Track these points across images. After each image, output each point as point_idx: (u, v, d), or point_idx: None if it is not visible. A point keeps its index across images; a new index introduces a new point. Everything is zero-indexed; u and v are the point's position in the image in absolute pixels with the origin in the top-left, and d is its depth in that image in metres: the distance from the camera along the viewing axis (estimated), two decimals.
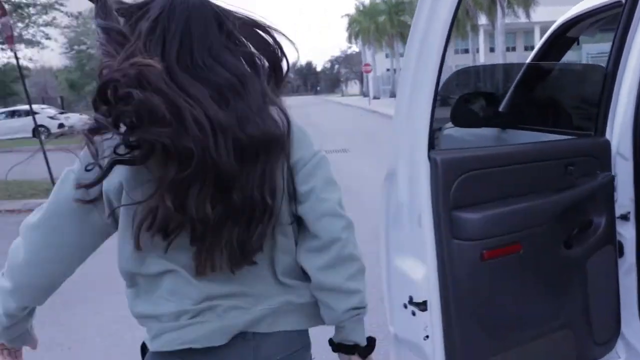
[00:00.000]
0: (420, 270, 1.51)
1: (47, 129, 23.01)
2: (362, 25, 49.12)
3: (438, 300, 1.50)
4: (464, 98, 2.99)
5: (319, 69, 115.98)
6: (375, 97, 47.07)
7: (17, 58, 8.85)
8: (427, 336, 1.52)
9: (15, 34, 16.21)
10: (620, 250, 1.94)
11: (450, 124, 2.86)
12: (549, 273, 1.68)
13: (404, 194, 1.51)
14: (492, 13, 31.13)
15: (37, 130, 10.16)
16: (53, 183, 9.09)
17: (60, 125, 23.28)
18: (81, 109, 44.14)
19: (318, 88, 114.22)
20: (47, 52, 20.64)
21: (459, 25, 33.89)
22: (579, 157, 1.80)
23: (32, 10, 9.73)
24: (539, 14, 31.04)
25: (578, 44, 2.85)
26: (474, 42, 39.73)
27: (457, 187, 1.51)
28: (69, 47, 35.21)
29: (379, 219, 1.63)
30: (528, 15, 31.49)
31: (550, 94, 2.64)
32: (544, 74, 2.78)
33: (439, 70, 1.44)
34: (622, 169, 1.94)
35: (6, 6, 8.39)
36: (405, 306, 1.54)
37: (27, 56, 22.16)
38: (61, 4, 10.15)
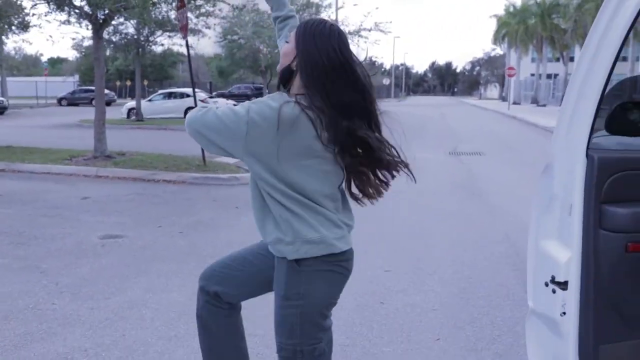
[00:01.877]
0: (565, 254, 1.69)
1: None
2: (510, 27, 47.15)
3: (578, 282, 1.68)
4: (622, 106, 2.99)
5: (458, 70, 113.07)
6: (515, 103, 45.04)
7: (187, 47, 9.88)
8: (564, 313, 1.69)
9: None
10: None
11: (603, 132, 2.90)
12: None
13: (559, 185, 1.70)
14: None
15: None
16: (204, 160, 10.06)
17: None
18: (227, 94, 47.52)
19: (455, 89, 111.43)
20: (202, 40, 22.26)
21: None
22: None
23: (201, 1, 10.73)
24: None
25: None
26: (635, 49, 36.49)
27: (610, 184, 1.67)
28: (223, 37, 37.66)
29: (532, 206, 1.82)
30: None
31: None
32: None
33: (606, 78, 1.61)
34: None
35: None
36: (547, 284, 1.73)
37: (191, 44, 24.07)
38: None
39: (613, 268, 1.67)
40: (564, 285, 1.67)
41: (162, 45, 23.17)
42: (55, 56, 70.39)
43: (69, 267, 4.59)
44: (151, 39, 22.09)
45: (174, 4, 10.59)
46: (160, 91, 29.21)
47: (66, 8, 9.78)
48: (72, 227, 5.86)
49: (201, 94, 27.33)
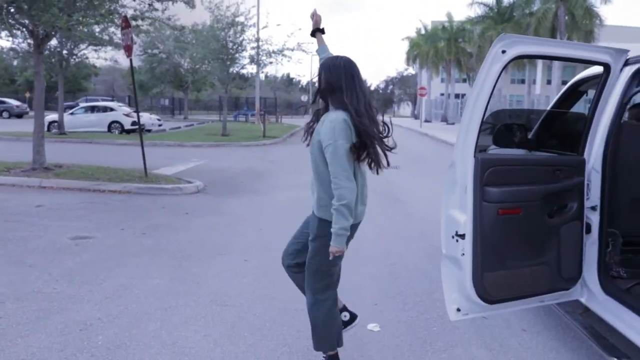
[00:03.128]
0: (463, 217, 2.76)
1: (122, 125, 25.18)
2: (421, 49, 50.22)
3: (471, 234, 2.74)
4: (503, 126, 4.19)
5: (372, 87, 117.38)
6: (426, 120, 47.98)
7: (132, 66, 10.47)
8: (463, 254, 2.76)
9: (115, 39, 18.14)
10: (588, 229, 3.13)
11: (493, 146, 4.06)
12: (537, 230, 2.89)
13: (459, 175, 2.77)
14: None
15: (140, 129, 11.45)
16: (145, 172, 10.64)
17: (134, 123, 25.38)
18: (147, 108, 47.04)
19: None
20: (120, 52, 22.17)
21: None
22: (564, 166, 3.02)
23: (140, 22, 11.29)
24: None
25: (587, 95, 4.04)
26: (531, 74, 40.27)
27: (487, 174, 2.76)
28: (143, 51, 37.53)
29: (443, 189, 2.89)
30: None
31: (559, 129, 3.85)
32: (557, 116, 3.98)
33: (484, 109, 2.71)
34: (595, 178, 3.13)
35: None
36: (453, 237, 2.79)
37: (112, 57, 24.07)
38: (169, 19, 11.72)
39: (490, 225, 2.75)
40: (462, 236, 2.72)
41: (87, 58, 23.04)
42: None
43: (53, 262, 5.21)
44: (75, 51, 21.97)
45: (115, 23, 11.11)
46: (82, 104, 28.72)
47: (8, 24, 10.06)
48: (39, 230, 6.40)
49: (125, 108, 27.33)
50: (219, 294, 4.49)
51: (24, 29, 10.57)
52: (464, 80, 52.65)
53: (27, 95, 51.67)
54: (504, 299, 2.90)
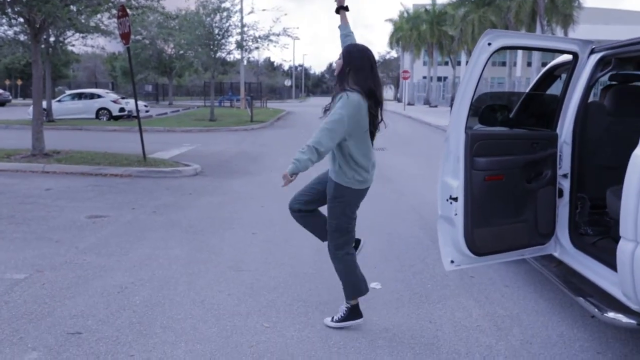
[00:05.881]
0: (456, 183, 3.29)
1: (110, 112, 25.38)
2: (404, 32, 50.61)
3: (463, 197, 3.27)
4: (488, 107, 4.71)
5: None
6: (409, 104, 48.57)
7: (129, 54, 10.79)
8: (456, 214, 3.29)
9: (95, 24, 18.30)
10: (560, 193, 3.68)
11: (479, 125, 4.59)
12: (518, 193, 3.43)
13: (453, 147, 3.30)
14: (532, 30, 32.44)
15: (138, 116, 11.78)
16: (144, 156, 11.04)
17: (121, 109, 25.60)
18: (131, 94, 46.65)
19: None
20: (102, 39, 22.09)
21: None
22: (540, 140, 3.56)
23: (133, 11, 11.57)
24: (577, 33, 32.30)
25: (560, 79, 4.57)
26: (512, 56, 40.90)
27: (476, 146, 3.28)
28: None
29: (440, 158, 3.41)
30: (566, 34, 32.77)
31: (536, 109, 4.39)
32: (535, 98, 4.52)
33: (473, 92, 3.22)
34: (566, 150, 3.67)
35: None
36: (447, 199, 3.32)
37: (98, 44, 24.06)
38: (163, 7, 12.00)
39: (479, 189, 3.28)
40: (455, 199, 3.25)
41: (73, 45, 23.10)
42: None
43: (77, 237, 5.66)
44: (61, 38, 22.01)
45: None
46: (68, 91, 28.74)
47: (6, 14, 10.33)
48: (55, 211, 6.82)
49: (112, 95, 27.45)
50: (235, 261, 4.99)
51: (21, 18, 10.84)
52: (446, 63, 53.22)
53: (7, 82, 51.23)
54: (490, 252, 3.45)
